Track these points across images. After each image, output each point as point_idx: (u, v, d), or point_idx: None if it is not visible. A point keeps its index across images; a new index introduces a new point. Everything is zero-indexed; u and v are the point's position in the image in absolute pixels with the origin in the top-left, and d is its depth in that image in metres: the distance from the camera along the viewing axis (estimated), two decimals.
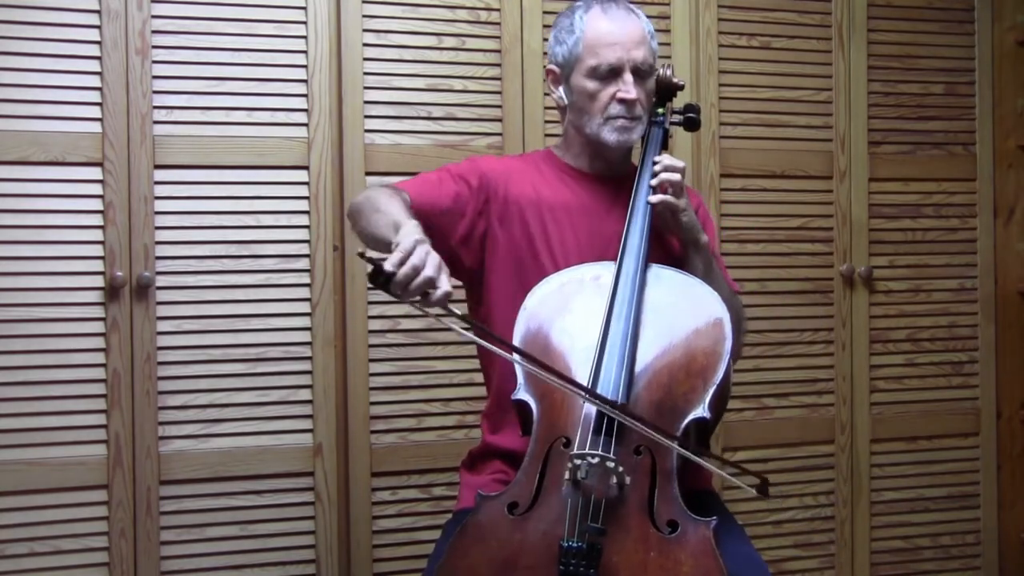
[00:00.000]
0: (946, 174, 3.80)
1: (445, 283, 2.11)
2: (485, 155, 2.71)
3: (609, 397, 2.23)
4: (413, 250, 2.09)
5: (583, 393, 2.22)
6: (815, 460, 3.67)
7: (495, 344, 2.27)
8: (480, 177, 2.56)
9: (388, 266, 2.06)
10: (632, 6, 2.58)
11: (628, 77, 2.50)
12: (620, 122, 2.53)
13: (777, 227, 3.63)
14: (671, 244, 2.60)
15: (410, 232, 2.16)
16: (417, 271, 2.07)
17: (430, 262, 2.09)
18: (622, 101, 2.51)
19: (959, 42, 3.81)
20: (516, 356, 2.28)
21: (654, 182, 2.50)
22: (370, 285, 2.10)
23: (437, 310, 2.12)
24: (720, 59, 3.56)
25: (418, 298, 2.09)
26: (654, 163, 2.53)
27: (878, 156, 3.72)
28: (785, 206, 3.64)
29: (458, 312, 2.14)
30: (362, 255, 2.08)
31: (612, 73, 2.50)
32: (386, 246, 2.18)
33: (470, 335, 2.25)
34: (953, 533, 3.82)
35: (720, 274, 2.60)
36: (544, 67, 2.68)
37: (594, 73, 2.51)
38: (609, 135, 2.54)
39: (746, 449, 3.59)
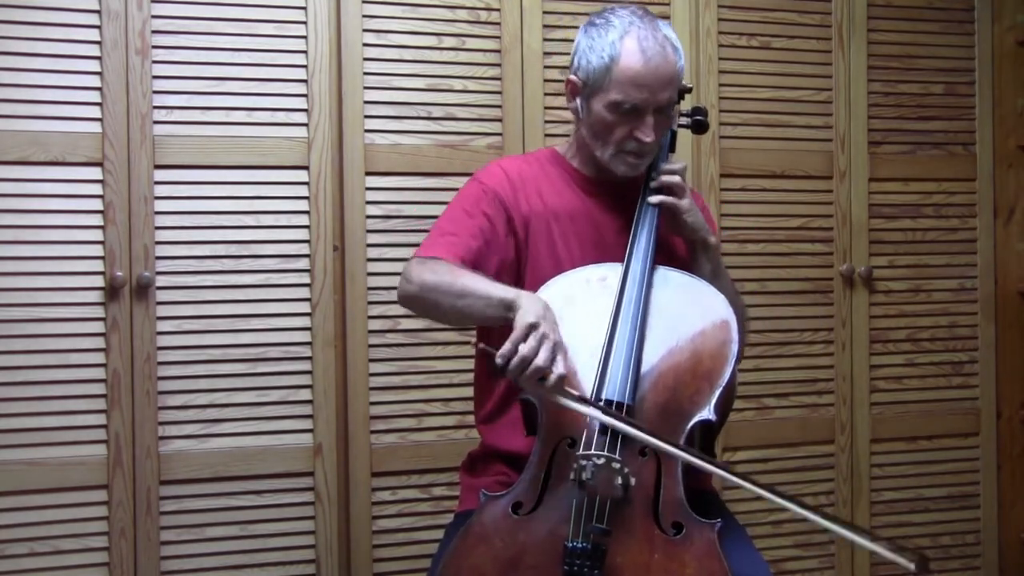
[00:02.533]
0: (946, 174, 3.80)
1: (559, 367, 2.13)
2: (489, 165, 2.62)
3: (615, 399, 2.23)
4: (525, 338, 2.12)
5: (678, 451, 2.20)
6: (815, 460, 3.67)
7: (631, 426, 2.19)
8: (493, 199, 2.52)
9: (498, 359, 2.11)
10: (668, 36, 2.47)
11: (649, 120, 2.43)
12: (631, 158, 2.48)
13: (777, 227, 3.63)
14: (677, 248, 2.60)
15: (525, 310, 2.18)
16: (527, 362, 2.10)
17: (543, 349, 2.12)
18: (638, 140, 2.45)
19: (959, 42, 3.82)
20: (667, 445, 2.20)
21: (654, 185, 2.50)
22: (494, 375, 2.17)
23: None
24: (720, 59, 3.56)
25: (536, 384, 2.14)
26: (660, 167, 2.52)
27: (878, 156, 3.72)
28: (785, 206, 3.64)
29: (575, 393, 2.19)
30: (479, 347, 2.18)
31: (634, 112, 2.43)
32: (497, 322, 2.25)
33: (594, 412, 2.20)
34: (953, 533, 3.82)
35: (728, 275, 2.60)
36: (566, 77, 2.55)
37: (616, 108, 2.43)
38: (619, 166, 2.50)
39: (746, 449, 3.59)
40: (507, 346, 2.11)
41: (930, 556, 3.68)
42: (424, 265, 2.37)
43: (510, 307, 2.22)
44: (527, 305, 2.19)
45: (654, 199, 2.48)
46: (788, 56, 3.64)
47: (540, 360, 2.10)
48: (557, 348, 2.15)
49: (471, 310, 2.29)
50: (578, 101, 2.54)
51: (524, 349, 2.10)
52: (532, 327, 2.13)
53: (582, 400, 2.20)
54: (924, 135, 3.78)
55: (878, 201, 3.73)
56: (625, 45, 2.42)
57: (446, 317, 2.40)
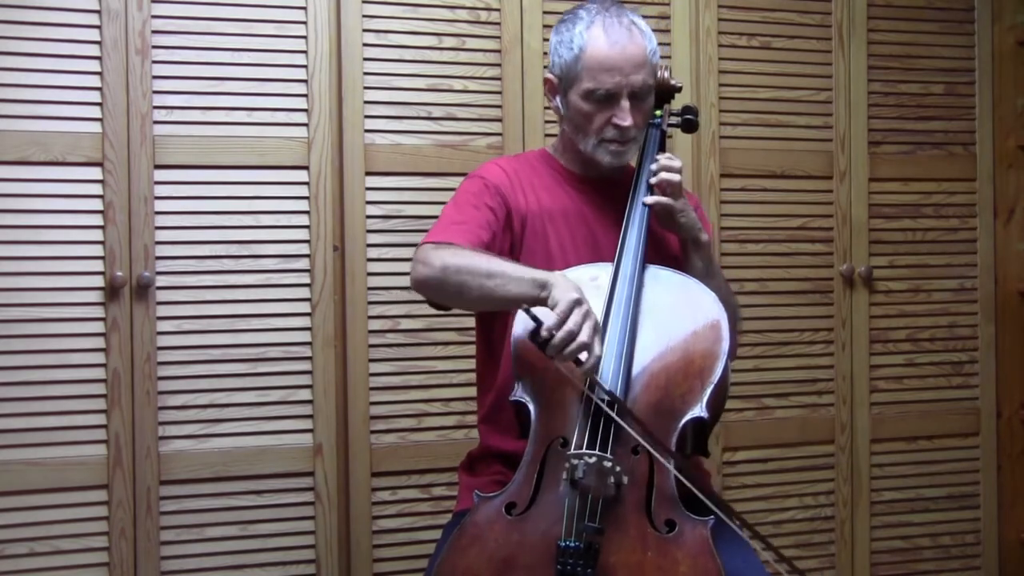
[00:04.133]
0: (946, 174, 3.80)
1: (598, 348, 2.15)
2: (485, 164, 2.64)
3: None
4: (570, 313, 2.12)
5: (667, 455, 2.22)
6: (815, 460, 3.67)
7: (637, 430, 2.20)
8: (495, 193, 2.52)
9: (544, 332, 2.11)
10: (635, 21, 2.51)
11: (625, 104, 2.46)
12: (614, 146, 2.50)
13: (777, 227, 3.63)
14: (670, 243, 2.61)
15: (564, 290, 2.18)
16: (573, 336, 2.11)
17: (586, 326, 2.13)
18: (617, 126, 2.47)
19: (959, 42, 3.81)
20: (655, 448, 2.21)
21: (653, 181, 2.50)
22: (529, 341, 2.16)
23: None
24: (720, 59, 3.56)
25: (571, 361, 2.15)
26: (652, 162, 2.53)
27: (878, 156, 3.72)
28: (785, 206, 3.63)
29: (606, 387, 2.21)
30: (527, 311, 2.13)
31: (609, 98, 2.45)
32: (529, 302, 2.21)
33: (612, 414, 2.20)
34: (953, 533, 3.81)
35: (720, 272, 2.61)
36: (544, 76, 2.60)
37: (590, 96, 2.46)
38: (603, 156, 2.51)
39: (746, 449, 3.59)
40: (553, 318, 2.12)
41: (931, 557, 3.76)
42: (443, 249, 2.34)
43: (544, 286, 2.21)
44: (564, 284, 2.20)
45: (650, 200, 2.49)
46: (788, 56, 3.64)
47: (585, 336, 2.11)
48: (598, 328, 2.17)
49: (501, 291, 2.25)
50: (557, 99, 2.56)
51: (570, 323, 2.11)
52: (577, 303, 2.14)
53: (611, 395, 2.21)
54: (924, 135, 3.77)
55: (878, 201, 3.72)
56: (591, 33, 2.47)
57: (470, 299, 2.34)
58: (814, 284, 3.67)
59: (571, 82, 2.50)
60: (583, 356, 2.13)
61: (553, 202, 2.57)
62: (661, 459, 2.18)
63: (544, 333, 2.11)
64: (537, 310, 2.17)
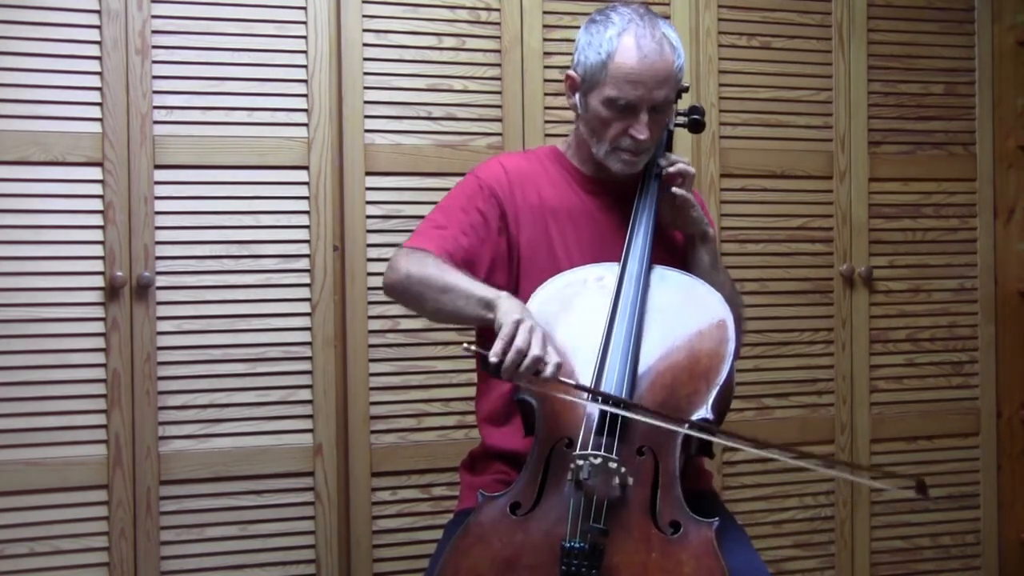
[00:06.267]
0: (946, 174, 3.80)
1: (553, 356, 2.15)
2: (488, 161, 2.63)
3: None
4: (515, 333, 2.13)
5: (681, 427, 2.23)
6: None
7: (642, 413, 2.21)
8: (489, 194, 2.52)
9: (493, 357, 2.11)
10: (667, 34, 2.47)
11: (644, 117, 2.43)
12: (626, 156, 2.48)
13: (777, 227, 3.63)
14: (675, 241, 2.61)
15: (507, 310, 2.19)
16: (522, 354, 2.11)
17: (534, 340, 2.13)
18: (633, 138, 2.45)
19: (959, 42, 3.81)
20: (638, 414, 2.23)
21: (672, 170, 2.50)
22: (486, 371, 2.17)
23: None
24: (720, 59, 3.56)
25: (533, 377, 2.15)
26: (659, 164, 2.53)
27: (878, 156, 3.72)
28: (785, 206, 3.63)
29: (572, 382, 2.20)
30: (467, 348, 2.17)
31: (628, 108, 2.43)
32: (477, 320, 2.27)
33: (594, 400, 2.23)
34: (953, 533, 3.82)
35: (724, 268, 2.62)
36: (566, 72, 2.55)
37: (611, 104, 2.44)
38: (615, 164, 2.50)
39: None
40: (498, 344, 2.12)
41: (931, 557, 3.75)
42: (411, 256, 2.39)
43: (489, 306, 2.24)
44: (507, 305, 2.22)
45: (678, 191, 2.49)
46: (788, 56, 3.64)
47: (536, 350, 2.11)
48: (548, 339, 2.17)
49: (452, 306, 2.31)
50: (577, 97, 2.54)
51: (518, 342, 2.11)
52: (519, 322, 2.14)
53: (582, 387, 2.21)
54: (924, 135, 3.78)
55: (878, 201, 3.72)
56: (622, 42, 2.43)
57: (427, 311, 2.40)
58: (814, 284, 3.67)
59: (593, 85, 2.47)
60: (540, 368, 2.13)
61: (560, 201, 2.56)
62: (676, 428, 2.19)
63: (493, 360, 2.11)
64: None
